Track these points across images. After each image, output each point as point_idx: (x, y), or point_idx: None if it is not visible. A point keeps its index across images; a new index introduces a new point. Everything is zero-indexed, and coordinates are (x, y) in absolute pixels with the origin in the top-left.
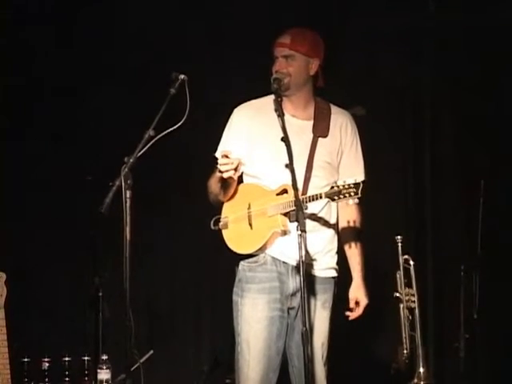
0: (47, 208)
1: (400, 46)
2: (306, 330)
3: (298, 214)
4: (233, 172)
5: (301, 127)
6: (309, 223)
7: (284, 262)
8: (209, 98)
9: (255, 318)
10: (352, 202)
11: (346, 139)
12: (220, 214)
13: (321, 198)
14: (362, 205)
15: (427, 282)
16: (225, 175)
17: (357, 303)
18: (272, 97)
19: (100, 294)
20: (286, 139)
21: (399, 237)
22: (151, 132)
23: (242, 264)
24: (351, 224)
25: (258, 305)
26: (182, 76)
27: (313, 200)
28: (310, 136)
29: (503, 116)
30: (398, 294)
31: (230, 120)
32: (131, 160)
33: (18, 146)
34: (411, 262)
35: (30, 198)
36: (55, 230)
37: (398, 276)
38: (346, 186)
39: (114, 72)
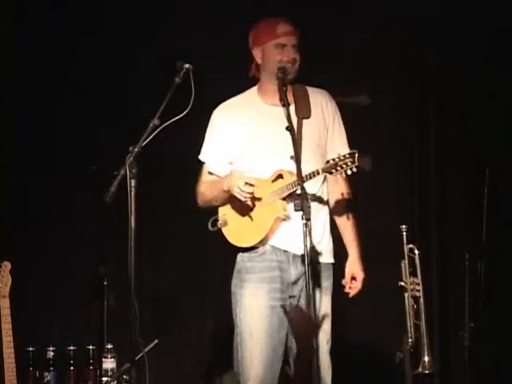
0: (52, 197)
1: (405, 35)
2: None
3: (302, 202)
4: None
5: (284, 113)
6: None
7: (284, 251)
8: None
9: (256, 307)
10: (350, 172)
11: (329, 116)
12: (216, 213)
13: (318, 174)
14: (363, 191)
15: (432, 271)
16: (243, 199)
17: (354, 278)
18: (251, 91)
19: (105, 283)
20: (290, 128)
21: (404, 226)
22: (156, 121)
23: (241, 255)
24: (343, 199)
25: (259, 294)
26: (187, 65)
27: (310, 178)
28: (295, 119)
29: (509, 104)
30: (402, 283)
31: (211, 122)
32: (136, 149)
33: (22, 135)
34: (416, 251)
35: (35, 187)
36: (60, 219)
37: (402, 265)
38: (342, 158)
39: (118, 60)
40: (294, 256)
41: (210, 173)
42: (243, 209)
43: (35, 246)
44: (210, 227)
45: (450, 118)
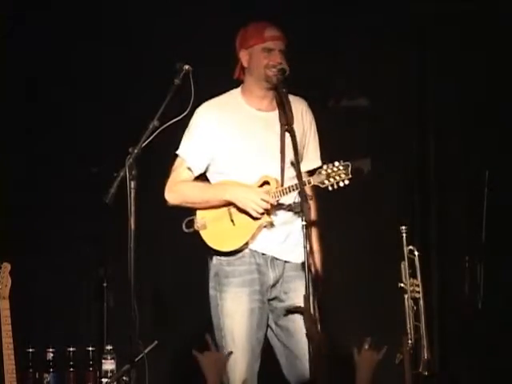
0: (52, 198)
1: (404, 36)
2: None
3: (302, 205)
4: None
5: (268, 119)
6: (287, 214)
7: (263, 254)
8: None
9: (238, 311)
10: (342, 184)
11: (307, 124)
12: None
13: (309, 184)
14: (363, 191)
15: (432, 273)
16: (256, 215)
17: None
18: (234, 92)
19: (105, 284)
20: (290, 130)
21: (404, 227)
22: (156, 122)
23: (219, 258)
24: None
25: (240, 298)
26: (187, 66)
27: (298, 188)
28: (278, 125)
29: (509, 104)
30: (402, 285)
31: (193, 120)
32: (136, 150)
33: (21, 136)
34: (416, 253)
35: (35, 189)
36: (60, 221)
37: (402, 266)
38: (335, 169)
39: (118, 61)
40: (273, 259)
41: (189, 169)
42: (226, 213)
43: (35, 247)
44: (184, 228)
45: (450, 119)
